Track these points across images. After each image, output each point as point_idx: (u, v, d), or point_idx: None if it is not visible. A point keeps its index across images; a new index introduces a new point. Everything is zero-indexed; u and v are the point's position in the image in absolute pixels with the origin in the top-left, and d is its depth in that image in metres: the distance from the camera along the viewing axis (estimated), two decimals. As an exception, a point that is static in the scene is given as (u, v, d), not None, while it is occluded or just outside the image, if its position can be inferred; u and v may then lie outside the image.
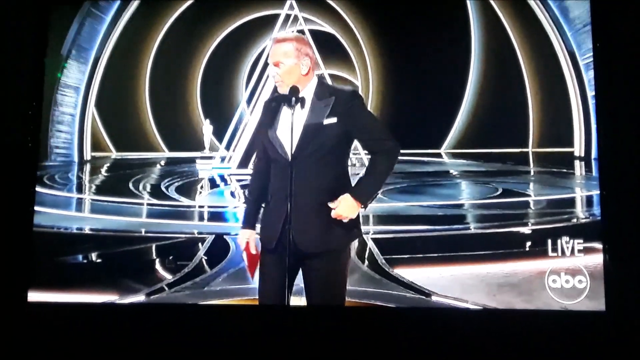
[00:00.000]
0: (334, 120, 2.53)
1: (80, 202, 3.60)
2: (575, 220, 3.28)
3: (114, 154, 3.65)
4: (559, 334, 3.00)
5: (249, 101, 3.63)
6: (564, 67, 3.42)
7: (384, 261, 3.30)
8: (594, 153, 3.30)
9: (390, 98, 3.56)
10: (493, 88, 3.47)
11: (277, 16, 3.63)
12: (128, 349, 3.10)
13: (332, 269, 2.56)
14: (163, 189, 3.61)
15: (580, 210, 3.33)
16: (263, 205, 2.67)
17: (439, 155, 3.50)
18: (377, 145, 2.59)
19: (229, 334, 3.08)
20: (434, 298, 3.21)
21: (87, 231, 3.53)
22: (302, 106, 2.51)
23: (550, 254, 3.20)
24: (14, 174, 3.44)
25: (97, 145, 3.65)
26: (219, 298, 3.29)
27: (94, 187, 3.63)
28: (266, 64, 2.67)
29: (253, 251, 2.65)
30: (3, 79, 3.50)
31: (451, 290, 3.20)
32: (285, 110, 2.56)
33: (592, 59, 3.32)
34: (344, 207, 2.50)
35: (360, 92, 3.54)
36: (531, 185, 3.44)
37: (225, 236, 3.46)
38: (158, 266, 3.42)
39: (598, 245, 3.15)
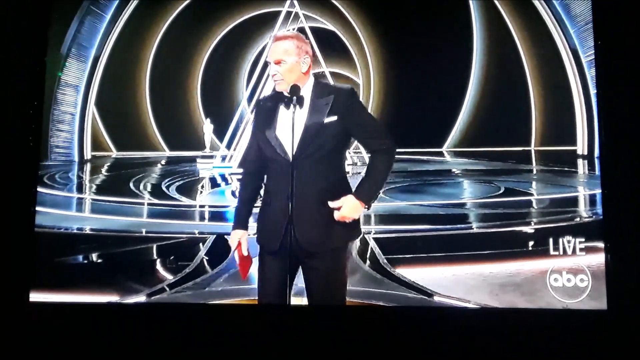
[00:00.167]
0: (334, 118, 2.54)
1: (80, 202, 3.59)
2: (577, 219, 3.27)
3: (115, 154, 3.64)
4: (561, 333, 3.00)
5: (249, 100, 3.61)
6: (567, 64, 3.40)
7: (385, 261, 3.29)
8: (596, 151, 3.28)
9: (391, 96, 3.55)
10: (495, 86, 3.46)
11: (277, 14, 3.61)
12: (130, 348, 3.11)
13: (333, 267, 2.58)
14: (164, 188, 3.60)
15: (582, 209, 3.31)
16: (258, 206, 2.67)
17: (440, 154, 3.49)
18: (376, 143, 2.62)
19: (231, 333, 3.09)
20: (436, 298, 3.21)
21: (87, 231, 3.52)
22: (301, 105, 2.50)
23: (552, 252, 3.19)
24: (15, 173, 3.43)
25: (97, 145, 3.63)
26: (220, 298, 3.29)
27: (94, 186, 3.62)
28: (267, 63, 2.65)
29: (245, 252, 2.65)
30: (3, 78, 3.49)
31: (453, 290, 3.19)
32: (283, 110, 2.56)
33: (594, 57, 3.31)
34: (348, 208, 2.54)
35: (360, 90, 3.58)
36: (533, 184, 3.43)
37: (226, 236, 3.41)
38: (159, 266, 3.41)
39: (600, 244, 3.14)
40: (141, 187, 3.61)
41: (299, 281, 2.60)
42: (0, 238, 3.36)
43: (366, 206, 2.57)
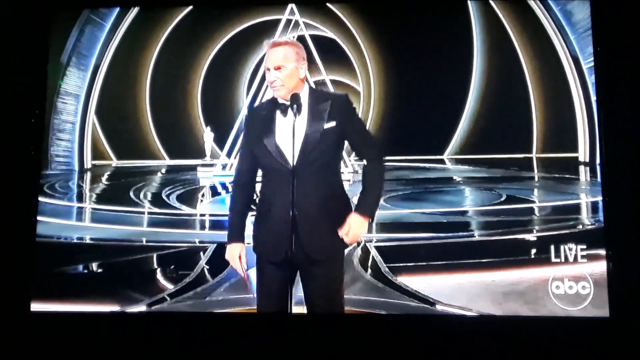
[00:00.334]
0: (333, 124, 2.55)
1: (80, 211, 3.58)
2: (580, 226, 3.26)
3: (115, 162, 3.63)
4: (563, 341, 3.00)
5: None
6: (568, 71, 3.40)
7: (387, 269, 3.28)
8: (598, 158, 3.28)
9: (392, 103, 3.54)
10: (496, 93, 3.45)
11: (277, 22, 3.61)
12: (131, 358, 3.12)
13: (334, 274, 2.59)
14: (164, 197, 3.59)
15: (584, 216, 3.31)
16: (253, 216, 2.65)
17: (441, 161, 3.48)
18: (372, 152, 2.64)
19: (233, 342, 3.08)
20: (438, 307, 3.19)
21: (87, 241, 3.51)
22: (300, 113, 2.49)
23: (554, 260, 3.18)
24: (16, 183, 3.43)
25: (97, 154, 3.63)
26: (221, 308, 3.27)
27: (94, 195, 3.61)
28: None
29: (246, 266, 2.63)
30: (4, 86, 3.49)
31: (456, 299, 3.18)
32: (281, 118, 2.55)
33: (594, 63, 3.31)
34: (356, 228, 2.56)
35: (361, 98, 3.58)
36: (535, 191, 3.41)
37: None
38: (159, 276, 3.40)
39: (601, 252, 3.14)
40: (141, 196, 3.59)
41: (297, 290, 2.58)
42: (1, 247, 3.35)
43: (371, 219, 2.60)
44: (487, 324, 3.15)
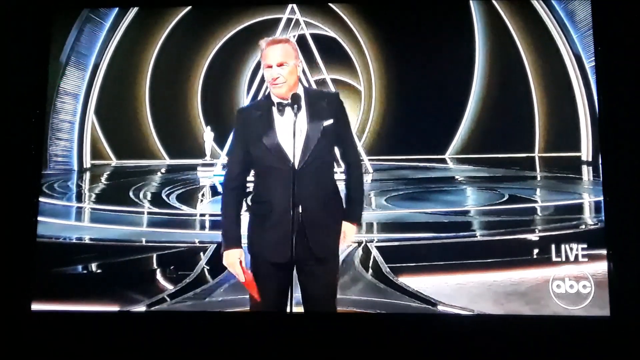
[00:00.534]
0: (331, 122, 2.57)
1: (79, 211, 3.57)
2: (581, 226, 3.25)
3: (114, 162, 3.61)
4: (564, 340, 3.00)
5: (250, 107, 3.60)
6: (570, 69, 3.39)
7: (388, 270, 3.26)
8: (601, 157, 3.26)
9: (393, 103, 3.53)
10: (498, 92, 3.44)
11: (277, 21, 3.60)
12: (132, 357, 3.13)
13: (332, 273, 2.66)
14: (164, 197, 3.57)
15: (587, 216, 3.30)
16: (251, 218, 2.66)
17: (443, 161, 3.46)
18: (353, 153, 2.76)
19: (233, 342, 3.08)
20: (440, 307, 3.18)
21: (86, 241, 3.50)
22: (299, 111, 2.48)
23: (555, 259, 3.18)
24: (16, 183, 3.43)
25: (96, 153, 3.61)
26: (221, 308, 3.26)
27: (93, 195, 3.60)
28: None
29: (249, 273, 2.61)
30: (5, 87, 3.49)
31: (457, 299, 3.17)
32: (279, 117, 2.54)
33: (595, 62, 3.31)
34: (350, 234, 2.71)
35: (362, 98, 3.57)
36: (538, 191, 3.40)
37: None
38: (159, 276, 3.39)
39: (602, 251, 3.14)
40: (141, 195, 3.58)
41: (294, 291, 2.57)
42: (2, 247, 3.35)
43: (359, 225, 2.81)
44: (488, 323, 3.14)
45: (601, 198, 3.22)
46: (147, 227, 3.51)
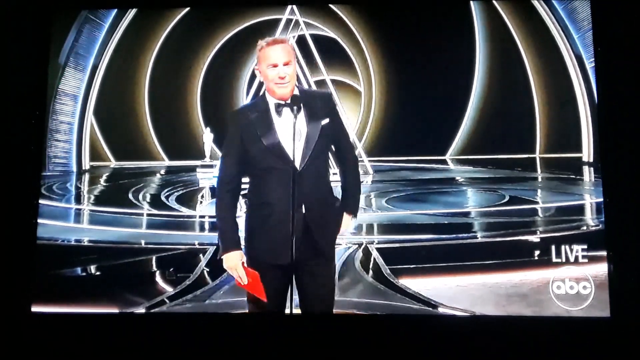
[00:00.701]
0: (327, 121, 2.57)
1: (78, 213, 3.56)
2: (582, 227, 3.25)
3: (113, 163, 3.61)
4: (564, 341, 3.00)
5: (250, 108, 3.59)
6: (571, 70, 3.38)
7: (388, 271, 3.26)
8: (600, 158, 3.26)
9: (393, 103, 3.53)
10: (499, 92, 3.44)
11: (277, 22, 3.59)
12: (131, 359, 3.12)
13: (332, 272, 2.66)
14: (163, 198, 3.56)
15: (588, 217, 3.29)
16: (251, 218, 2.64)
17: (444, 162, 3.46)
18: (349, 151, 2.74)
19: (233, 344, 3.07)
20: (440, 309, 3.17)
21: (85, 243, 3.49)
22: (299, 112, 2.47)
23: (555, 260, 3.18)
24: (16, 185, 3.42)
25: (95, 155, 3.61)
26: (220, 311, 3.25)
27: (92, 197, 3.59)
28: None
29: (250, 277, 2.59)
30: (5, 87, 3.48)
31: (458, 301, 3.16)
32: (278, 118, 2.54)
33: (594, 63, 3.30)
34: (347, 226, 2.73)
35: (362, 98, 3.56)
36: (539, 191, 3.40)
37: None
38: (159, 278, 3.38)
39: (603, 252, 3.14)
40: (140, 197, 3.57)
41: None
42: (2, 249, 3.34)
43: (355, 217, 2.78)
44: (488, 324, 3.14)
45: (602, 199, 3.21)
46: (147, 229, 3.50)
